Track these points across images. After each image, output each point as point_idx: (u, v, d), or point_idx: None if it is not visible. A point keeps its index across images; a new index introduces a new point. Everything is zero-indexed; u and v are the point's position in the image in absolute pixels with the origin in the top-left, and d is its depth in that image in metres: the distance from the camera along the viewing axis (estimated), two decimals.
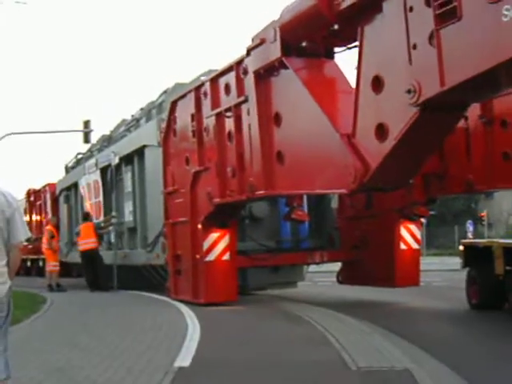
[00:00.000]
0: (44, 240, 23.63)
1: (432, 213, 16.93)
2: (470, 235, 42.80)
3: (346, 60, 11.44)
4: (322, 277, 22.44)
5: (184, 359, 8.72)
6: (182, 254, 16.12)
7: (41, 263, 33.98)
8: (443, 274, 24.87)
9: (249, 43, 13.00)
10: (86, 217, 22.70)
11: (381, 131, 9.80)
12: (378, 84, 9.77)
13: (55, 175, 50.74)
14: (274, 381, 7.88)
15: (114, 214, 21.67)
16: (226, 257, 15.11)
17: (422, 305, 15.59)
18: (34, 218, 35.24)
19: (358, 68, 10.23)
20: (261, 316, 13.60)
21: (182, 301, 15.60)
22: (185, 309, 14.33)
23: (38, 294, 19.70)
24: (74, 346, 10.21)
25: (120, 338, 10.97)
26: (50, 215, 31.49)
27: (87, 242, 21.40)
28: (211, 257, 15.05)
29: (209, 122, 14.83)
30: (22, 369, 7.75)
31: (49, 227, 24.09)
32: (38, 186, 35.88)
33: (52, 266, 22.72)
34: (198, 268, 15.34)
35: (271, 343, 10.24)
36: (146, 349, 9.70)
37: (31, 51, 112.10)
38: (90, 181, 24.69)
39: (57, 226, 25.27)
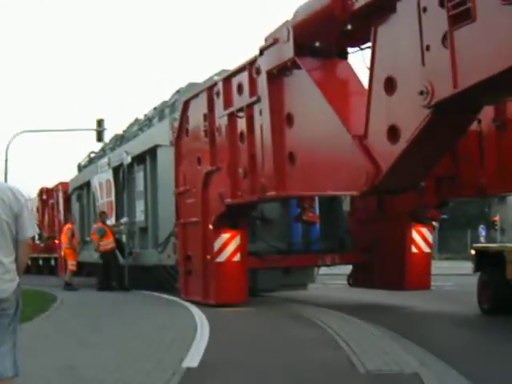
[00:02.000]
0: (64, 239, 23.67)
1: (444, 216, 16.80)
2: (482, 240, 42.58)
3: (359, 60, 11.40)
4: (332, 279, 22.38)
5: (192, 360, 8.69)
6: (192, 254, 16.10)
7: (53, 262, 34.10)
8: (455, 278, 24.73)
9: (262, 43, 12.98)
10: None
11: (393, 133, 9.74)
12: (390, 85, 9.71)
13: (68, 174, 50.94)
14: (281, 383, 7.85)
15: (124, 219, 21.69)
16: (237, 258, 15.07)
17: (432, 309, 15.50)
18: (47, 216, 35.33)
19: (371, 69, 10.18)
20: (270, 318, 13.56)
21: (192, 301, 15.58)
22: (195, 309, 14.31)
23: (48, 293, 19.73)
24: (84, 344, 10.21)
25: (129, 337, 10.97)
26: (62, 214, 31.58)
27: (110, 242, 21.47)
28: (222, 258, 15.01)
29: (221, 121, 14.81)
30: (31, 366, 7.73)
31: (69, 225, 24.10)
32: (50, 185, 36.01)
33: (70, 264, 22.83)
34: (209, 269, 15.31)
35: (280, 345, 10.19)
36: (155, 349, 9.67)
37: (45, 49, 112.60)
38: (102, 180, 24.74)
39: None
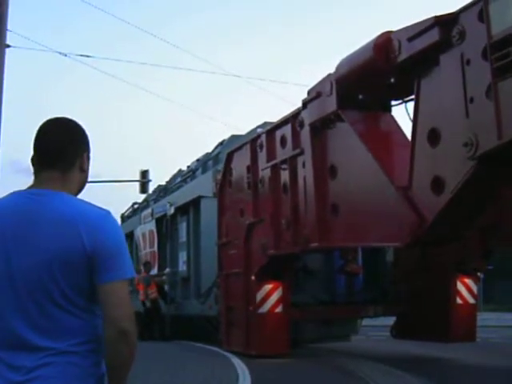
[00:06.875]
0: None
1: (489, 267, 16.62)
2: None
3: (402, 112, 11.45)
4: (375, 331, 22.14)
5: None
6: (234, 305, 16.10)
7: None
8: (500, 330, 24.33)
9: (305, 96, 13.10)
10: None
11: (437, 184, 9.73)
12: (434, 137, 9.74)
13: None
14: None
15: (167, 270, 21.85)
16: (279, 309, 15.03)
17: (478, 361, 15.21)
18: None
19: (415, 121, 10.22)
20: (313, 370, 13.45)
21: (233, 352, 15.53)
22: (236, 360, 14.25)
23: None
24: None
25: None
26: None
27: (154, 292, 21.60)
28: (264, 309, 14.99)
29: (264, 173, 14.91)
30: None
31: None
32: None
33: None
34: (251, 320, 15.28)
35: None
36: None
37: (90, 100, 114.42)
38: (145, 230, 24.94)
39: None
